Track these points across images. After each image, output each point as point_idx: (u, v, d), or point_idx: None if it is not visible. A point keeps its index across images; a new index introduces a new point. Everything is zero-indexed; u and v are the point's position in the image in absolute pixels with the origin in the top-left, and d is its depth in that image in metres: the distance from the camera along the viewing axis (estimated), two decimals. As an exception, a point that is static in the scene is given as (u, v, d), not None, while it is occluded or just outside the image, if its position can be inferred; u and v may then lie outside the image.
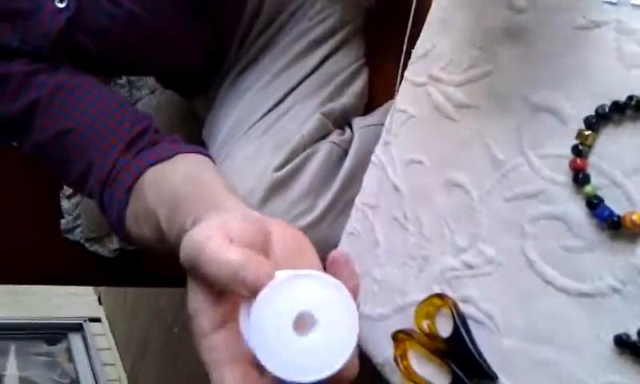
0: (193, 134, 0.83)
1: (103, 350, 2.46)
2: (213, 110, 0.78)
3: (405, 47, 0.51)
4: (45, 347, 2.41)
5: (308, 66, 0.72)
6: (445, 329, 0.47)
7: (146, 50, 0.71)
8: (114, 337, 2.57)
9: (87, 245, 1.17)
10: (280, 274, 0.33)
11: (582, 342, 0.39)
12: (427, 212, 0.50)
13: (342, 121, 0.72)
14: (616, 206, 0.37)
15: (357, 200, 0.58)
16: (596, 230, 0.39)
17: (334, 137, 0.69)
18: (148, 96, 1.00)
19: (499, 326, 0.44)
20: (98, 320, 2.61)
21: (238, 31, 0.76)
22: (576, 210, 0.40)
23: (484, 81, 0.46)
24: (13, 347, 2.38)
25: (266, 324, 0.30)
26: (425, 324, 0.49)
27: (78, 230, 1.18)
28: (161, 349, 2.13)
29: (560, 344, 0.40)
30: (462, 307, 0.47)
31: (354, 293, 0.36)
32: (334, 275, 0.35)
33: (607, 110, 0.38)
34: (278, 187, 0.64)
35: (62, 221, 1.18)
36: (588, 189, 0.39)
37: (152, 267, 1.19)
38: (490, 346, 0.44)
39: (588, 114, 0.39)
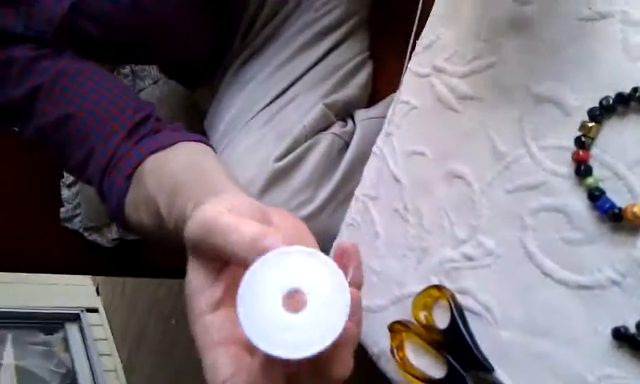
0: (195, 125, 0.83)
1: (100, 340, 2.46)
2: (215, 100, 0.78)
3: (412, 38, 0.51)
4: (42, 337, 2.41)
5: (312, 57, 0.72)
6: (442, 320, 0.47)
7: (149, 37, 0.70)
8: (110, 327, 2.57)
9: (86, 234, 1.17)
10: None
11: (579, 334, 0.39)
12: (427, 203, 0.50)
13: (344, 113, 0.72)
14: (617, 198, 0.37)
15: (357, 191, 0.58)
16: (597, 223, 0.38)
17: (336, 128, 0.69)
18: (151, 86, 0.99)
19: (497, 318, 0.44)
20: (95, 310, 2.61)
21: (242, 21, 0.76)
22: (577, 202, 0.40)
23: (488, 72, 0.46)
24: (10, 336, 2.38)
25: (255, 298, 0.30)
26: (422, 315, 0.49)
27: (78, 219, 1.18)
28: (158, 340, 2.13)
29: (558, 336, 0.40)
30: (460, 299, 0.47)
31: (359, 285, 0.36)
32: (344, 266, 0.34)
33: (611, 101, 0.38)
34: (278, 177, 0.64)
35: (62, 209, 1.18)
36: (590, 181, 0.38)
37: (151, 258, 1.19)
38: (487, 338, 0.44)
39: (592, 106, 0.39)
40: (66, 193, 1.17)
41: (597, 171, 0.39)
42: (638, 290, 0.36)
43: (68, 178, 1.16)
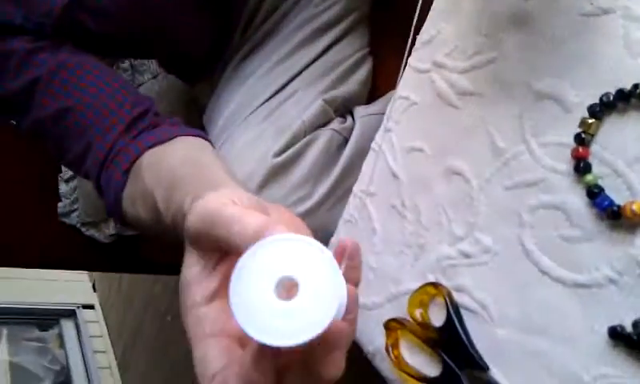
0: (194, 120, 0.82)
1: (95, 337, 2.45)
2: (214, 95, 0.78)
3: (411, 34, 0.50)
4: (36, 333, 2.40)
5: (312, 53, 0.72)
6: (438, 318, 0.47)
7: (148, 31, 0.70)
8: (106, 324, 2.56)
9: (83, 229, 1.17)
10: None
11: (576, 333, 0.38)
12: (426, 200, 0.50)
13: (343, 109, 0.71)
14: (616, 195, 0.37)
15: (355, 187, 0.57)
16: (595, 220, 0.38)
17: (335, 124, 0.68)
18: (150, 81, 0.99)
19: (493, 316, 0.44)
20: (91, 307, 2.61)
21: (242, 16, 0.76)
22: (576, 199, 0.39)
23: (488, 68, 0.46)
24: (5, 332, 2.37)
25: (247, 285, 0.30)
26: (418, 313, 0.49)
27: (75, 214, 1.17)
28: (153, 337, 2.13)
29: (554, 335, 0.40)
30: (456, 296, 0.46)
31: (357, 284, 0.36)
32: (349, 263, 0.34)
33: (612, 98, 0.37)
34: (277, 173, 0.64)
35: (59, 204, 1.17)
36: (589, 178, 0.38)
37: (148, 254, 1.18)
38: (482, 336, 0.44)
39: (592, 103, 0.38)
40: (63, 187, 1.17)
41: (596, 168, 0.38)
42: (636, 288, 0.36)
43: (66, 173, 1.16)
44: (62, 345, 2.37)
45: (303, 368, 0.32)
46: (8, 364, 2.26)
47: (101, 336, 2.50)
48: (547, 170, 0.41)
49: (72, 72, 0.60)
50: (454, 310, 0.45)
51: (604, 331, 0.37)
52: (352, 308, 0.34)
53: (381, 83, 0.74)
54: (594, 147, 0.39)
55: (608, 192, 0.37)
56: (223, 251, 0.36)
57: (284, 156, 0.64)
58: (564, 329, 0.39)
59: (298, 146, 0.65)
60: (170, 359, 1.94)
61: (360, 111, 0.71)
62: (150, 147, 0.54)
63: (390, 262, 0.52)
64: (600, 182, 0.38)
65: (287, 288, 0.29)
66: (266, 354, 0.31)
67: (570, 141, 0.40)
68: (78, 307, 2.56)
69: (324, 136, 0.66)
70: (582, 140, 0.39)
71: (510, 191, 0.43)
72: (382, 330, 0.51)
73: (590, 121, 0.38)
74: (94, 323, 2.55)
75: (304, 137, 0.66)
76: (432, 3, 0.51)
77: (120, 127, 0.56)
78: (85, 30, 0.63)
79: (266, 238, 0.31)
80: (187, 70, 0.86)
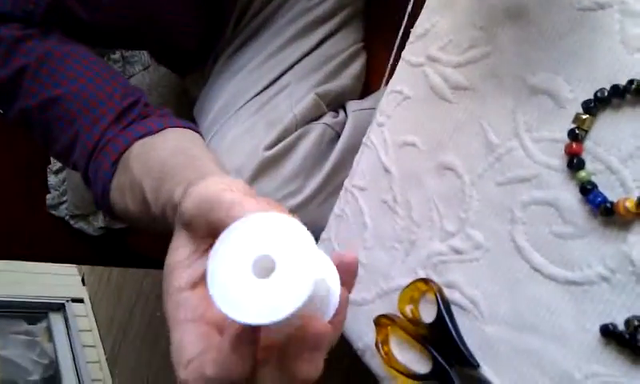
0: (185, 112, 0.82)
1: (84, 331, 2.44)
2: (206, 88, 0.77)
3: (402, 27, 0.50)
4: (25, 326, 2.38)
5: (305, 46, 0.71)
6: (428, 314, 0.46)
7: (139, 21, 0.69)
8: (95, 318, 2.54)
9: (72, 222, 1.16)
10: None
11: (567, 331, 0.38)
12: (417, 195, 0.49)
13: (336, 103, 0.71)
14: (610, 192, 0.37)
15: (346, 182, 0.57)
16: (588, 217, 0.38)
17: (328, 118, 0.68)
18: (141, 72, 0.98)
19: (484, 313, 0.43)
20: (80, 301, 2.59)
21: (234, 9, 0.75)
22: (568, 195, 0.39)
23: (483, 62, 0.45)
24: (-7, 325, 2.35)
25: (223, 265, 0.29)
26: (408, 309, 0.48)
27: (64, 206, 1.16)
28: (143, 332, 2.12)
29: (545, 333, 0.39)
30: (447, 293, 0.46)
31: (350, 288, 0.35)
32: (343, 277, 0.34)
33: (606, 93, 0.37)
34: (267, 166, 0.63)
35: (48, 196, 1.16)
36: (582, 174, 0.38)
37: (137, 248, 1.17)
38: (473, 333, 0.44)
39: (587, 98, 0.38)
40: (52, 179, 1.16)
41: (589, 164, 0.38)
42: (628, 286, 0.36)
43: (55, 164, 1.15)
44: (50, 338, 2.36)
45: (279, 363, 0.32)
46: (-4, 357, 2.25)
47: (90, 330, 2.48)
48: (540, 165, 0.41)
49: (60, 61, 0.59)
50: (444, 307, 0.45)
51: (596, 329, 0.37)
52: (340, 310, 0.33)
53: (374, 78, 0.74)
54: (588, 143, 0.38)
55: (601, 189, 0.37)
56: (216, 237, 0.36)
57: (275, 149, 0.63)
58: (555, 326, 0.39)
59: (289, 139, 0.64)
60: (160, 354, 1.93)
61: (353, 106, 0.70)
62: (140, 138, 0.54)
63: (381, 257, 0.52)
64: (593, 179, 0.37)
65: (267, 267, 0.29)
66: (245, 339, 0.30)
67: (563, 136, 0.39)
68: (67, 301, 2.54)
69: (316, 130, 0.66)
70: (576, 136, 0.38)
71: (502, 187, 0.43)
72: (372, 327, 0.50)
73: (584, 116, 0.38)
74: (83, 317, 2.53)
75: (295, 130, 0.65)
76: (424, 1, 0.51)
77: (109, 118, 0.56)
78: (75, 19, 0.62)
79: (244, 217, 0.31)
80: (178, 62, 0.85)
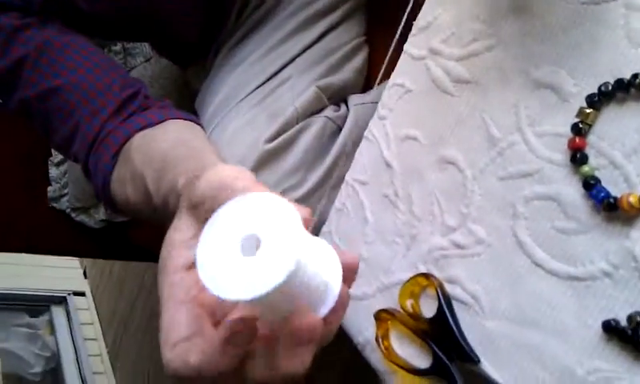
0: (186, 104, 0.81)
1: (86, 324, 2.44)
2: (207, 80, 0.77)
3: (403, 21, 0.49)
4: (27, 319, 2.39)
5: (307, 39, 0.70)
6: (429, 309, 0.46)
7: (140, 11, 0.69)
8: (97, 311, 2.55)
9: (73, 214, 1.16)
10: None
11: (569, 326, 0.38)
12: (418, 190, 0.49)
13: (338, 97, 0.70)
14: (613, 187, 0.36)
15: (347, 175, 0.56)
16: (591, 212, 0.37)
17: (329, 112, 0.67)
18: (143, 64, 0.98)
19: (485, 308, 0.43)
20: (82, 294, 2.59)
21: (236, 1, 0.74)
22: (571, 190, 0.38)
23: (485, 55, 0.45)
24: (-5, 317, 2.36)
25: (213, 244, 0.29)
26: (409, 304, 0.48)
27: (65, 199, 1.16)
28: (144, 325, 2.12)
29: (546, 328, 0.39)
30: (448, 288, 0.46)
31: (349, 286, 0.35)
32: (342, 275, 0.33)
33: (610, 87, 0.36)
34: (268, 159, 0.63)
35: (49, 188, 1.16)
36: (585, 169, 0.37)
37: (138, 241, 1.17)
38: (474, 328, 0.43)
39: (590, 92, 0.38)
40: (54, 171, 1.15)
41: (593, 159, 0.38)
42: (631, 282, 0.35)
43: (56, 157, 1.14)
44: (52, 331, 2.36)
45: (267, 356, 0.31)
46: (-2, 349, 2.25)
47: (91, 323, 2.48)
48: (543, 160, 0.40)
49: (60, 51, 0.59)
50: (445, 302, 0.45)
51: (598, 325, 0.36)
52: (338, 308, 0.33)
53: (376, 73, 0.73)
54: (591, 138, 0.38)
55: (604, 184, 0.37)
56: None
57: (276, 142, 0.63)
58: (557, 322, 0.38)
59: (290, 132, 0.64)
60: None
61: (354, 99, 0.70)
62: (140, 130, 0.54)
63: (382, 251, 0.51)
64: (597, 174, 0.37)
65: (254, 246, 0.29)
66: (238, 341, 0.30)
67: (566, 131, 0.39)
68: (69, 294, 2.54)
69: (317, 123, 0.65)
70: (579, 130, 0.38)
71: (504, 182, 0.43)
72: (373, 321, 0.50)
73: (588, 111, 0.37)
74: (85, 310, 2.53)
75: (297, 123, 0.65)
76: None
77: (109, 109, 0.56)
78: (75, 8, 0.62)
79: (234, 199, 0.31)
80: (180, 54, 0.85)
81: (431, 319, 0.45)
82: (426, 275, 0.47)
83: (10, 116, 0.66)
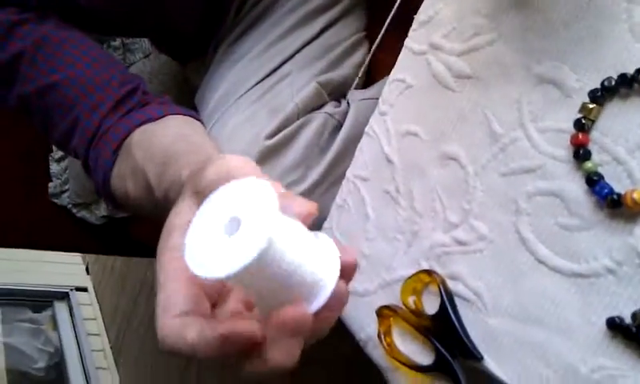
0: (186, 100, 0.81)
1: (89, 319, 2.45)
2: (207, 76, 0.76)
3: (389, 17, 0.49)
4: (30, 314, 2.39)
5: (307, 35, 0.70)
6: (431, 306, 0.46)
7: (138, 6, 0.68)
8: (100, 307, 2.55)
9: (74, 210, 1.16)
10: None
11: (573, 323, 0.38)
12: (420, 186, 0.49)
13: (338, 93, 0.70)
14: (616, 183, 0.36)
15: (348, 172, 0.56)
16: (594, 208, 0.37)
17: (329, 108, 0.67)
18: (142, 60, 0.97)
19: (487, 305, 0.43)
20: (84, 289, 2.60)
21: (236, -4, 0.74)
22: (574, 186, 0.38)
23: (487, 50, 0.44)
24: (-2, 312, 2.37)
25: (201, 227, 0.31)
26: (411, 300, 0.48)
27: (66, 194, 1.16)
28: (147, 321, 2.12)
29: (550, 325, 0.39)
30: (450, 284, 0.45)
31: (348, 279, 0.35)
32: (344, 274, 0.33)
33: (614, 82, 0.36)
34: (268, 155, 0.63)
35: (50, 184, 1.16)
36: (588, 165, 0.37)
37: (139, 236, 1.17)
38: (476, 325, 0.43)
39: (593, 87, 0.37)
40: (54, 167, 1.15)
41: (596, 155, 0.37)
42: (635, 279, 0.35)
43: (57, 152, 1.14)
44: (55, 327, 2.37)
45: (254, 351, 0.31)
46: (2, 345, 2.26)
47: (94, 319, 2.49)
48: (545, 156, 0.40)
49: (58, 46, 0.59)
50: (447, 298, 0.45)
51: (602, 322, 0.36)
52: (333, 305, 0.32)
53: (377, 67, 0.73)
54: (594, 133, 0.37)
55: (608, 180, 0.36)
56: None
57: (276, 138, 0.63)
58: (561, 319, 0.38)
59: (290, 128, 0.64)
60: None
61: (355, 95, 0.69)
62: (140, 125, 0.54)
63: (383, 248, 0.51)
64: (600, 170, 0.37)
65: (235, 228, 0.30)
66: (234, 343, 0.30)
67: (569, 127, 0.38)
68: (72, 289, 2.55)
69: (317, 119, 0.65)
70: (582, 126, 0.37)
71: (506, 178, 0.42)
72: (375, 317, 0.50)
73: (591, 106, 0.37)
74: (88, 306, 2.54)
75: (297, 119, 0.65)
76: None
77: (108, 105, 0.56)
78: (74, 4, 0.62)
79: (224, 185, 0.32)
80: (179, 49, 0.84)
81: (434, 316, 0.45)
82: (428, 272, 0.47)
83: (10, 112, 0.66)
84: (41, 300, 2.48)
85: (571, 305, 0.38)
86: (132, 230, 1.17)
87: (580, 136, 0.37)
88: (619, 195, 0.35)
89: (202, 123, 0.57)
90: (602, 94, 0.37)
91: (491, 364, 0.42)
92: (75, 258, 2.79)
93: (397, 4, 0.45)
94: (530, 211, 0.41)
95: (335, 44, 0.71)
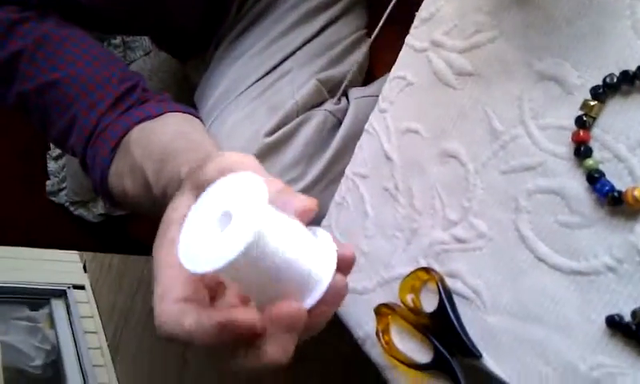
0: (185, 98, 0.81)
1: (86, 317, 2.44)
2: (206, 73, 0.76)
3: (385, 13, 0.49)
4: (27, 312, 2.39)
5: (307, 32, 0.70)
6: (430, 304, 0.46)
7: (139, 4, 0.68)
8: (97, 305, 2.55)
9: (72, 208, 1.15)
10: None
11: (572, 321, 0.37)
12: (419, 183, 0.49)
13: (338, 90, 0.70)
14: (617, 181, 0.36)
15: (347, 169, 0.56)
16: (595, 206, 0.37)
17: (329, 105, 0.67)
18: (142, 58, 0.97)
19: (486, 303, 0.42)
20: (82, 287, 2.59)
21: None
22: (575, 184, 0.38)
23: (488, 47, 0.44)
24: (-5, 310, 2.36)
25: (195, 222, 0.31)
26: (409, 298, 0.48)
27: (63, 192, 1.16)
28: (144, 319, 2.12)
29: (550, 323, 0.39)
30: (449, 282, 0.45)
31: (346, 272, 0.35)
32: (342, 267, 0.33)
33: (616, 79, 0.36)
34: (268, 152, 0.62)
35: (48, 182, 1.16)
36: (589, 162, 0.37)
37: (137, 234, 1.17)
38: (475, 323, 0.43)
39: (595, 84, 0.37)
40: (52, 165, 1.15)
41: (597, 153, 0.37)
42: (635, 277, 0.35)
43: (54, 150, 1.14)
44: (52, 324, 2.36)
45: (248, 344, 0.31)
46: (-1, 343, 2.25)
47: (91, 316, 2.49)
48: (546, 153, 0.40)
49: (58, 45, 0.58)
50: (446, 296, 0.44)
51: (601, 320, 0.36)
52: (328, 301, 0.32)
53: (378, 65, 0.73)
54: (596, 131, 0.37)
55: (609, 177, 0.36)
56: None
57: (276, 136, 0.62)
58: (560, 317, 0.38)
59: (290, 125, 0.63)
60: (161, 340, 1.93)
61: (355, 93, 0.69)
62: (139, 123, 0.53)
63: (382, 245, 0.51)
64: (601, 167, 0.37)
65: (227, 222, 0.30)
66: (231, 333, 0.30)
67: (570, 124, 0.38)
68: (69, 287, 2.54)
69: (317, 116, 0.65)
70: (584, 123, 0.37)
71: (506, 175, 0.42)
72: (373, 315, 0.50)
73: (593, 103, 0.37)
74: (85, 304, 2.53)
75: (297, 117, 0.64)
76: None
77: (107, 102, 0.55)
78: (74, 2, 0.62)
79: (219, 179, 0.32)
80: (179, 47, 0.84)
81: (432, 314, 0.45)
82: (427, 269, 0.46)
83: (8, 111, 0.66)
84: (38, 298, 2.47)
85: (571, 302, 0.38)
86: (129, 228, 1.16)
87: (581, 133, 0.37)
88: (620, 193, 0.35)
89: (202, 121, 0.57)
90: (604, 91, 0.36)
91: (490, 362, 0.42)
92: (73, 256, 2.78)
93: (393, 2, 0.45)
94: (530, 209, 0.40)
95: (336, 42, 0.71)
